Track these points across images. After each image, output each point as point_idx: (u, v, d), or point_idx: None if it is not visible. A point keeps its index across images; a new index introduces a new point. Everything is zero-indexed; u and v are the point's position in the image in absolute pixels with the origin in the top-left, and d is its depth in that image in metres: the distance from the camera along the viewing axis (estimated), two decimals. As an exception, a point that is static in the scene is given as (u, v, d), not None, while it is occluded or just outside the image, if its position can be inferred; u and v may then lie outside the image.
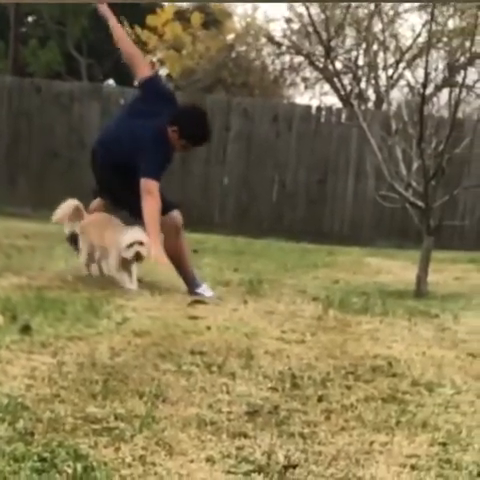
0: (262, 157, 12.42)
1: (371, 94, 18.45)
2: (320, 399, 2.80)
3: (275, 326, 4.08)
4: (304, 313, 4.55)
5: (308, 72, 19.55)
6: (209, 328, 3.87)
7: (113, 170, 5.21)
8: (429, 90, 7.14)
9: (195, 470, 2.11)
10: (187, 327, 3.86)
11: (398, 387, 3.03)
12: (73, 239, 5.43)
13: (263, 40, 18.87)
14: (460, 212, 11.90)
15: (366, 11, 15.77)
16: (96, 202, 5.54)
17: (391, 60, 17.17)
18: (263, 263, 7.44)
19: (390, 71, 16.96)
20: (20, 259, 6.03)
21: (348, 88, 18.44)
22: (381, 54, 16.04)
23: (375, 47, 15.94)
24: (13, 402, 2.48)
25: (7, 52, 19.84)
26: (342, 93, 17.98)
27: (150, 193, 4.98)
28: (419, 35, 16.90)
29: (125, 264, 4.99)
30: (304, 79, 19.66)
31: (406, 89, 13.06)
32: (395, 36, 17.22)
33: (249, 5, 18.33)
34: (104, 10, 5.54)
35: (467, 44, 9.85)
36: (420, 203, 6.11)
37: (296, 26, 18.39)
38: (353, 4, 14.67)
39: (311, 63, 18.93)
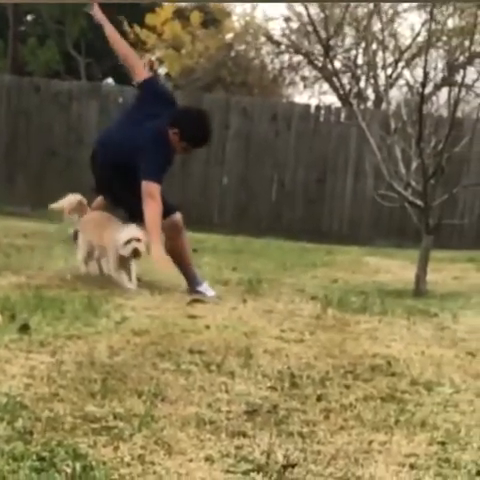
0: (261, 156, 12.40)
1: (370, 93, 18.47)
2: (319, 398, 2.81)
3: (274, 325, 4.08)
4: (303, 312, 4.55)
5: (307, 71, 19.54)
6: (208, 327, 3.87)
7: (113, 170, 5.20)
8: (428, 89, 7.16)
9: (194, 469, 2.11)
10: (186, 326, 3.86)
11: (397, 386, 3.03)
12: (77, 237, 5.42)
13: (262, 39, 18.84)
14: (459, 211, 11.89)
15: (365, 10, 15.82)
16: (100, 199, 5.54)
17: (390, 59, 17.19)
18: (262, 262, 7.44)
19: (389, 70, 16.99)
20: (19, 258, 6.03)
21: (347, 87, 18.47)
22: (380, 53, 16.09)
23: (374, 46, 15.96)
24: (12, 401, 2.48)
25: (6, 51, 19.82)
26: (341, 92, 17.98)
27: (152, 196, 4.94)
28: (418, 34, 16.93)
29: (123, 262, 4.99)
30: (303, 78, 19.64)
31: (405, 88, 13.10)
32: (394, 35, 17.22)
33: (248, 4, 18.33)
34: (100, 18, 5.57)
35: (466, 43, 9.85)
36: (419, 202, 6.11)
37: (295, 25, 18.39)
38: (352, 3, 14.67)
39: (310, 62, 18.91)
